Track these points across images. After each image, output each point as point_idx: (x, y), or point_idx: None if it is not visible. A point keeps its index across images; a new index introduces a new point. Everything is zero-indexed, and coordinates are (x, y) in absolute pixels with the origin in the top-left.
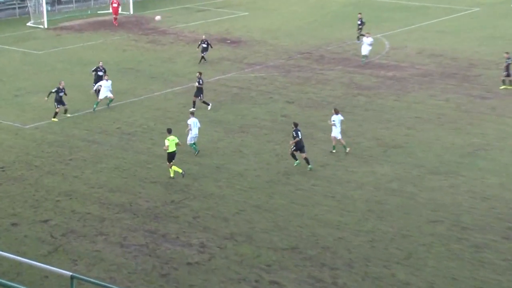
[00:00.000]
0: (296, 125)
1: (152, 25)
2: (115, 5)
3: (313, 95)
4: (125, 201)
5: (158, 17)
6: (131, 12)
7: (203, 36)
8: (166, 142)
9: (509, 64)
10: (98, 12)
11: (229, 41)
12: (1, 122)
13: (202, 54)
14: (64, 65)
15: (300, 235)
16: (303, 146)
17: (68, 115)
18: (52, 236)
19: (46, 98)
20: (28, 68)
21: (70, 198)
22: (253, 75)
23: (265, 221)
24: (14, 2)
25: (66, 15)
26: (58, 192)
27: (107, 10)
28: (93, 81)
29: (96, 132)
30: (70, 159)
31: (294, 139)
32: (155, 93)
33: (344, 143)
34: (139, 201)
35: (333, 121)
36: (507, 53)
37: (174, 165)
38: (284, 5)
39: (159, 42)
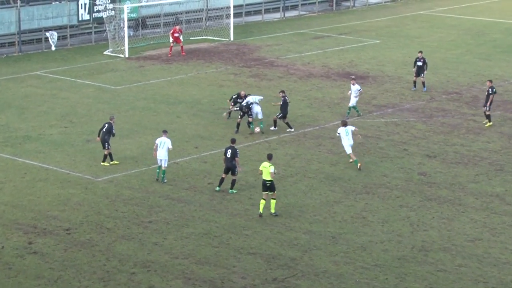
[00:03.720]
0: (232, 141)
1: (256, 55)
2: (176, 34)
3: (461, 148)
4: (215, 276)
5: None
6: (231, 38)
7: (242, 92)
8: (260, 167)
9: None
10: (191, 38)
11: (353, 77)
12: (68, 173)
13: (231, 110)
14: (146, 103)
15: None
16: (230, 168)
17: (115, 162)
18: None
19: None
20: (103, 106)
21: (148, 271)
22: (383, 120)
23: None
24: (90, 25)
25: (151, 42)
26: (133, 262)
27: (201, 36)
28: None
29: (182, 188)
30: (150, 221)
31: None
32: (257, 141)
33: (354, 158)
34: (232, 277)
35: (338, 133)
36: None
37: (265, 199)
38: (427, 32)
39: (265, 76)
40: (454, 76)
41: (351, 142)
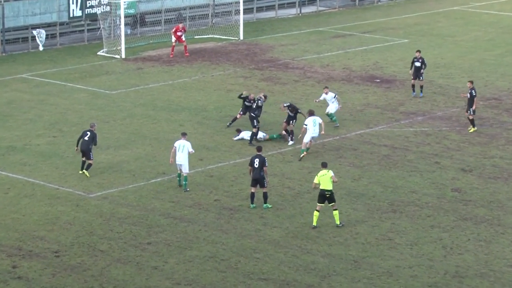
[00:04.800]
0: (259, 149)
1: (269, 56)
2: (179, 33)
3: (501, 161)
4: None
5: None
6: (241, 37)
7: (251, 95)
8: (315, 180)
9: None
10: (196, 36)
11: (378, 80)
12: (57, 189)
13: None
14: (145, 110)
15: None
16: (258, 180)
17: (87, 174)
18: None
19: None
20: (96, 114)
21: None
22: (412, 129)
23: None
24: (83, 22)
25: (151, 41)
26: None
27: (207, 34)
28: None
29: (185, 206)
30: (148, 243)
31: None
32: (269, 152)
33: (309, 146)
34: None
35: (305, 124)
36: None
37: (319, 211)
38: (461, 30)
39: (279, 80)
40: (492, 79)
41: (316, 134)
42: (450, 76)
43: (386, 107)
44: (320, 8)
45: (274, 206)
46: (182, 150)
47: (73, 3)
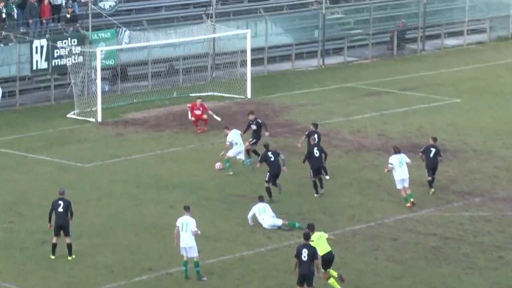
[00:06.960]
0: (306, 237)
1: (284, 119)
2: (198, 112)
3: None
4: None
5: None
6: (248, 95)
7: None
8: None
9: None
10: (191, 94)
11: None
12: None
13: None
14: (127, 187)
15: None
16: (308, 277)
17: (72, 256)
18: None
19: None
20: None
21: None
22: (467, 213)
23: None
24: (49, 76)
25: (135, 100)
26: None
27: (206, 91)
28: None
29: None
30: None
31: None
32: (285, 243)
33: (408, 192)
34: None
35: (391, 163)
36: None
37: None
38: None
39: (296, 149)
40: None
41: (406, 175)
42: None
43: (434, 185)
44: (349, 59)
45: None
46: (186, 229)
47: (36, 53)
